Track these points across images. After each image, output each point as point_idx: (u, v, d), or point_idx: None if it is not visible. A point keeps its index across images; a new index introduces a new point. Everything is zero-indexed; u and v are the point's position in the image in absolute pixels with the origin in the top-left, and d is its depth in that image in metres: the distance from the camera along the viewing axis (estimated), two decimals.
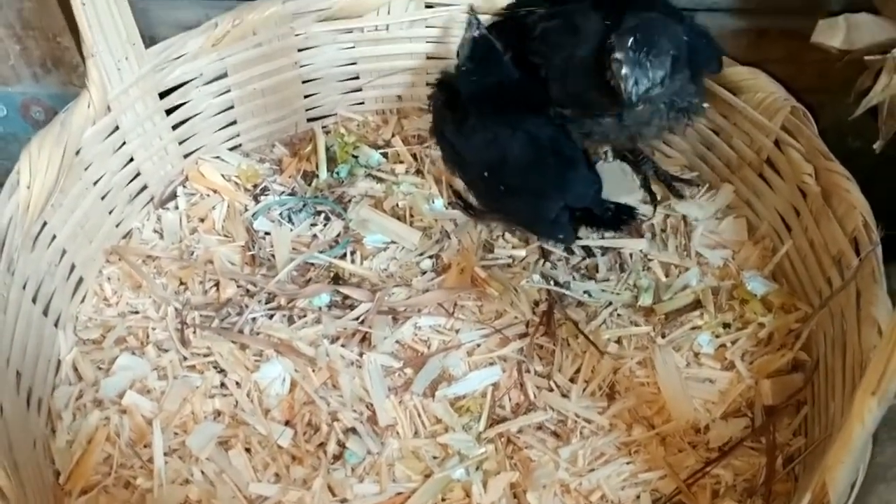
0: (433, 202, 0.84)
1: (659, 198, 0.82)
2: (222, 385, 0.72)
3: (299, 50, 0.85)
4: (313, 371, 0.72)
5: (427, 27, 0.86)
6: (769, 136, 0.76)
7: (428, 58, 0.88)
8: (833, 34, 0.71)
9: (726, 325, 0.74)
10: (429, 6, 0.85)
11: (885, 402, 0.47)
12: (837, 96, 0.76)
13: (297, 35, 0.84)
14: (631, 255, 0.79)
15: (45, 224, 0.72)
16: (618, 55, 0.65)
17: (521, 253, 0.79)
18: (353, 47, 0.87)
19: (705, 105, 0.75)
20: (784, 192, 0.76)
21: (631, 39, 0.65)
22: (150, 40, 0.82)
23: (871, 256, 0.63)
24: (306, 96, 0.89)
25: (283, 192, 0.85)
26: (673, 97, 0.69)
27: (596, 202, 0.73)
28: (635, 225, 0.77)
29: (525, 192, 0.74)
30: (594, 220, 0.74)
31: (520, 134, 0.73)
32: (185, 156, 0.86)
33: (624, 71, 0.65)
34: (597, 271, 0.79)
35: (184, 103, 0.83)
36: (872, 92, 0.69)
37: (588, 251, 0.79)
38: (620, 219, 0.74)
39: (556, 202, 0.72)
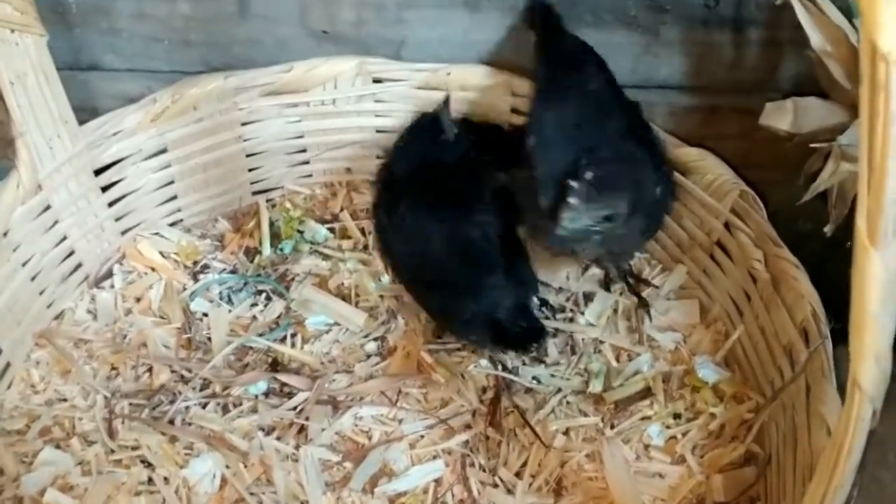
0: (380, 279, 0.81)
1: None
2: (149, 481, 0.68)
3: (243, 124, 0.83)
4: (245, 466, 0.68)
5: (376, 101, 0.84)
6: (719, 219, 0.74)
7: (377, 131, 0.86)
8: (781, 117, 0.70)
9: (677, 416, 0.71)
10: (377, 81, 0.83)
11: None
12: (790, 174, 0.75)
13: (240, 109, 0.82)
14: (583, 338, 0.77)
15: None
16: (572, 182, 0.63)
17: None
18: (300, 121, 0.85)
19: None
20: (735, 275, 0.74)
21: (593, 174, 0.63)
22: (92, 112, 0.80)
23: (821, 350, 0.61)
24: (251, 170, 0.87)
25: (223, 270, 0.82)
26: (611, 243, 0.67)
27: (509, 314, 0.70)
28: (541, 350, 0.74)
29: (443, 290, 0.72)
30: (500, 336, 0.71)
31: (446, 229, 0.70)
32: (123, 232, 0.83)
33: (571, 200, 0.63)
34: (547, 354, 0.76)
35: (121, 180, 0.80)
36: (820, 178, 0.68)
37: None
38: (527, 341, 0.71)
39: (469, 305, 0.70)
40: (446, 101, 0.78)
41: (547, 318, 0.78)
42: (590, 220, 0.64)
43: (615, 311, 0.79)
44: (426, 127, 0.77)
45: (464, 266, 0.70)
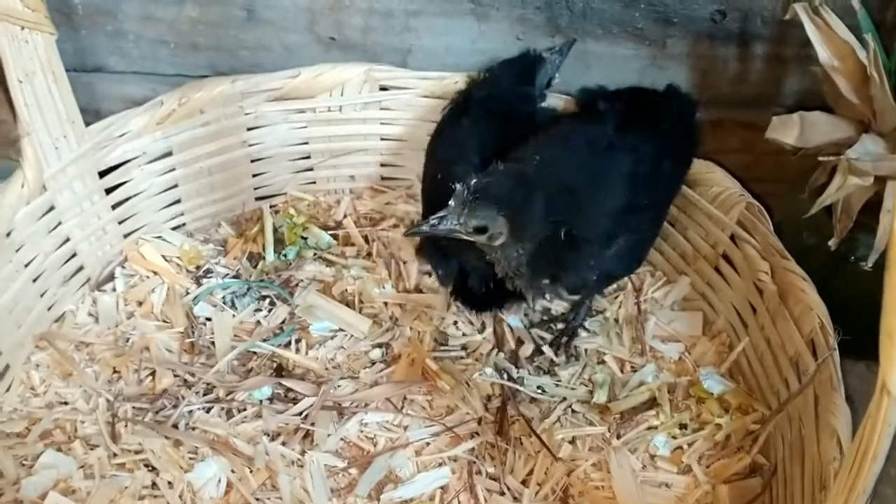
0: (384, 287, 0.81)
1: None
2: (153, 485, 0.67)
3: (249, 129, 0.83)
4: (251, 471, 0.67)
5: (381, 109, 0.84)
6: (725, 231, 0.75)
7: (382, 139, 0.87)
8: (787, 131, 0.71)
9: (683, 426, 0.71)
10: (383, 88, 0.83)
11: None
12: (794, 187, 0.76)
13: (246, 114, 0.82)
14: (586, 349, 0.77)
15: None
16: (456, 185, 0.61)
17: (477, 338, 0.77)
18: (306, 127, 0.85)
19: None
20: (740, 287, 0.74)
21: (477, 181, 0.61)
22: (95, 114, 0.80)
23: (829, 362, 0.62)
24: (255, 175, 0.86)
25: (226, 275, 0.82)
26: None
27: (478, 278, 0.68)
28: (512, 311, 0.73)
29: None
30: (465, 294, 0.70)
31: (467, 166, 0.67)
32: (126, 235, 0.82)
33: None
34: (553, 361, 0.76)
35: (125, 182, 0.80)
36: (826, 192, 0.68)
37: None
38: (492, 299, 0.70)
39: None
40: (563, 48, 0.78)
41: (549, 328, 0.78)
42: (457, 226, 0.61)
43: (616, 320, 0.79)
44: (526, 62, 0.78)
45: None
